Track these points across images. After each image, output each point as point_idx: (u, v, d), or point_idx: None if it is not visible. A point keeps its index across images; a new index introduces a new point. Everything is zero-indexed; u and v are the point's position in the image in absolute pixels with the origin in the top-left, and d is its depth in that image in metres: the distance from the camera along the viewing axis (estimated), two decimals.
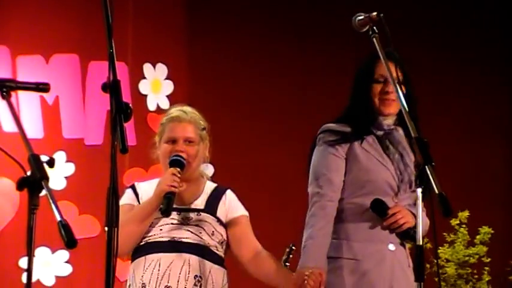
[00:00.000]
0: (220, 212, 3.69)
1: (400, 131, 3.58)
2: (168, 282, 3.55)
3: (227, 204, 3.72)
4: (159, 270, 3.56)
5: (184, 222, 3.63)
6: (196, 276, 3.58)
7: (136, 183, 3.78)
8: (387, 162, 3.55)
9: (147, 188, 3.69)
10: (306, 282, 3.40)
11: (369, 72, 3.57)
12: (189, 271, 3.58)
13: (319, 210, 3.52)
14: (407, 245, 3.60)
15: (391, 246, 3.52)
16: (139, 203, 3.67)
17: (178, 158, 3.63)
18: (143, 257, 3.61)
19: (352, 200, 3.56)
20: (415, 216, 3.43)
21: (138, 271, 3.61)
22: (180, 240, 3.61)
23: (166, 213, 3.52)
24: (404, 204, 3.53)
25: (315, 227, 3.51)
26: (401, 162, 3.56)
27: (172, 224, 3.62)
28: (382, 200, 3.49)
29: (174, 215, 3.62)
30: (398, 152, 3.56)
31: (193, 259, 3.59)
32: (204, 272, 3.60)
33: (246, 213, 3.77)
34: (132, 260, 3.67)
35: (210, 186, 3.77)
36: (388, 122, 3.58)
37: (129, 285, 3.65)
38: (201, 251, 3.61)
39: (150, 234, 3.62)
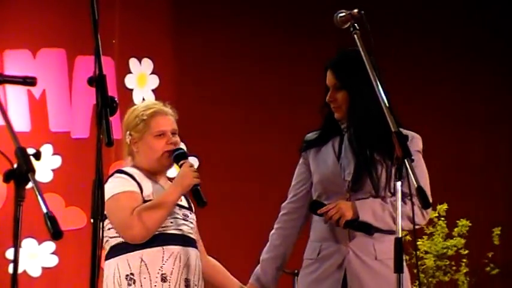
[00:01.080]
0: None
1: (350, 132, 3.61)
2: (187, 275, 3.57)
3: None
4: (180, 263, 3.56)
5: (184, 218, 3.65)
6: (201, 269, 3.64)
7: (125, 169, 3.68)
8: (333, 162, 3.58)
9: (143, 178, 3.64)
10: None
11: (325, 81, 3.63)
12: (198, 264, 3.63)
13: (276, 228, 3.75)
14: (381, 239, 3.60)
15: (345, 242, 3.53)
16: (141, 192, 3.60)
17: (182, 151, 3.65)
18: (160, 248, 3.55)
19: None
20: (355, 207, 3.48)
21: (154, 261, 3.54)
22: (187, 235, 3.63)
23: (204, 205, 3.55)
24: (361, 197, 3.54)
25: (269, 243, 3.75)
26: (345, 160, 3.58)
27: (177, 218, 3.62)
28: (318, 200, 3.56)
29: (176, 209, 3.63)
30: (353, 150, 3.57)
31: (197, 253, 3.65)
32: (200, 265, 3.66)
33: None
34: (133, 249, 3.56)
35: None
36: (344, 125, 3.62)
37: (129, 274, 3.54)
38: (196, 247, 3.67)
39: (164, 226, 3.58)
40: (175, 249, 3.56)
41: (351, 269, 3.51)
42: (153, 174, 3.68)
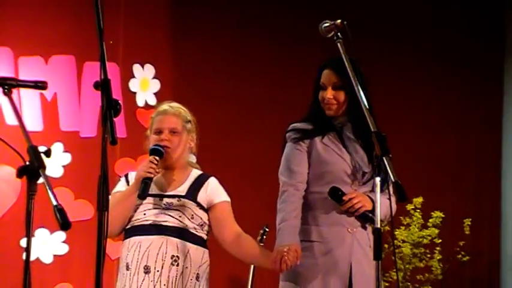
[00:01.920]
0: (201, 197, 3.66)
1: (349, 129, 3.58)
2: (147, 262, 3.53)
3: (208, 191, 3.68)
4: (139, 252, 3.54)
5: (165, 207, 3.60)
6: (173, 256, 3.54)
7: (129, 173, 3.74)
8: (344, 154, 3.56)
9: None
10: (285, 257, 3.41)
11: (318, 79, 3.60)
12: (166, 251, 3.54)
13: (289, 197, 3.55)
14: (370, 228, 3.59)
15: (351, 229, 3.52)
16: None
17: (157, 147, 3.62)
18: (128, 239, 3.59)
19: (315, 189, 3.57)
20: (372, 201, 3.46)
21: (124, 252, 3.60)
22: (160, 223, 3.58)
23: (142, 196, 3.53)
24: (364, 190, 3.53)
25: (286, 211, 3.53)
26: (357, 154, 3.56)
27: (155, 208, 3.60)
28: (338, 187, 3.50)
29: (156, 200, 3.61)
30: (353, 145, 3.56)
31: (172, 241, 3.56)
32: (182, 252, 3.56)
33: (228, 199, 3.74)
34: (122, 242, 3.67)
35: (195, 174, 3.74)
36: (339, 120, 3.59)
37: (119, 265, 3.66)
38: (180, 233, 3.58)
39: (134, 219, 3.60)
40: (138, 239, 3.56)
41: (356, 258, 3.50)
42: (171, 168, 3.69)
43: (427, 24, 6.78)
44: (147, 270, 3.52)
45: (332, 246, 3.50)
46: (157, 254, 3.53)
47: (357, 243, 3.51)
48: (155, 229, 3.57)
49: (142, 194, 3.52)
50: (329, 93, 3.54)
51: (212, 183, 3.72)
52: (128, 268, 3.55)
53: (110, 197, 3.49)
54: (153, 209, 3.60)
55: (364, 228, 3.54)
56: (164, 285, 3.51)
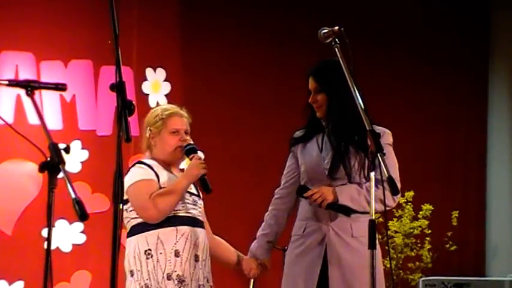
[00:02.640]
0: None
1: (329, 128, 3.62)
2: (196, 251, 3.57)
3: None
4: (191, 241, 3.56)
5: (193, 203, 3.65)
6: (207, 248, 3.64)
7: (145, 160, 3.69)
8: (316, 154, 3.60)
9: (157, 166, 3.65)
10: (253, 271, 3.75)
11: (307, 86, 3.65)
12: (206, 243, 3.63)
13: (270, 210, 3.77)
14: (355, 219, 3.58)
15: (325, 221, 3.55)
16: (158, 180, 3.60)
17: (192, 146, 3.65)
18: (173, 228, 3.56)
19: None
20: (335, 192, 3.49)
21: (169, 239, 3.54)
22: (196, 217, 3.63)
23: (210, 191, 3.57)
24: (340, 183, 3.55)
25: (263, 225, 3.77)
26: (328, 152, 3.58)
27: (187, 203, 3.62)
28: (304, 185, 3.59)
29: (187, 196, 3.63)
30: (331, 144, 3.59)
31: (205, 233, 3.65)
32: (207, 243, 3.66)
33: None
34: (151, 229, 3.56)
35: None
36: (325, 122, 3.63)
37: (147, 250, 3.55)
38: (204, 227, 3.67)
39: (176, 209, 3.58)
40: (186, 229, 3.57)
41: (331, 245, 3.52)
42: (167, 165, 3.68)
43: (417, 28, 6.77)
44: (197, 259, 3.56)
45: (309, 237, 3.57)
46: (204, 244, 3.61)
47: (333, 232, 3.53)
48: (194, 222, 3.61)
49: (210, 190, 3.57)
50: (311, 98, 3.62)
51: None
52: (177, 255, 3.53)
53: (139, 183, 3.53)
54: (187, 203, 3.62)
55: (346, 218, 3.54)
56: (208, 273, 3.62)
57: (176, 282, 3.50)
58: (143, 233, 3.56)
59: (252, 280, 5.48)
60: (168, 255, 3.52)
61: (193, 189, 3.69)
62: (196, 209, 3.65)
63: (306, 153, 3.63)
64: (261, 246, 3.72)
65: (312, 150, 3.61)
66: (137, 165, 3.65)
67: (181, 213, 3.59)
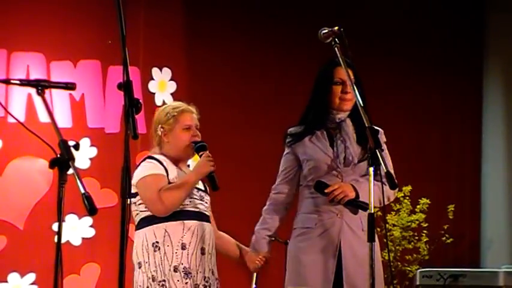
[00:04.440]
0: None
1: (348, 122, 3.56)
2: (203, 244, 3.56)
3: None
4: (197, 234, 3.55)
5: (200, 198, 3.64)
6: (214, 242, 3.64)
7: (155, 156, 3.66)
8: (327, 149, 3.53)
9: (167, 162, 3.63)
10: (257, 262, 3.69)
11: (329, 76, 3.53)
12: (212, 237, 3.63)
13: (268, 204, 3.70)
14: (362, 213, 3.56)
15: (340, 215, 3.50)
16: (167, 175, 3.58)
17: (203, 143, 3.64)
18: (180, 222, 3.55)
19: (307, 184, 3.57)
20: (356, 189, 3.45)
21: (175, 232, 3.54)
22: (203, 212, 3.62)
23: (217, 188, 3.56)
24: (350, 179, 3.50)
25: (261, 220, 3.70)
26: (343, 146, 3.53)
27: (195, 198, 3.61)
28: (322, 181, 3.48)
29: (195, 191, 3.62)
30: (342, 138, 3.54)
31: (211, 227, 3.65)
32: (213, 237, 3.66)
33: None
34: (159, 222, 3.56)
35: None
36: (341, 115, 3.55)
37: (155, 242, 3.54)
38: (210, 221, 3.67)
39: (184, 204, 3.58)
40: (193, 223, 3.56)
41: (345, 238, 3.47)
42: (177, 161, 3.67)
43: (413, 30, 6.76)
44: (203, 252, 3.56)
45: (324, 230, 3.49)
46: (210, 238, 3.60)
47: (346, 226, 3.48)
48: (200, 216, 3.60)
49: (217, 187, 3.56)
50: (347, 89, 3.47)
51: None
52: (184, 248, 3.52)
53: (148, 177, 3.52)
54: (194, 198, 3.61)
55: (355, 213, 3.51)
56: (214, 265, 3.61)
57: (183, 274, 3.49)
58: (151, 226, 3.55)
59: (255, 273, 5.49)
60: (175, 248, 3.51)
61: (200, 185, 3.68)
62: (203, 204, 3.64)
63: (314, 149, 3.54)
64: (261, 240, 3.67)
65: (323, 147, 3.53)
66: (147, 160, 3.63)
67: (189, 208, 3.58)
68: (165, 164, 3.61)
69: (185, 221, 3.55)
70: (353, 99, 3.46)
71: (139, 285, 3.52)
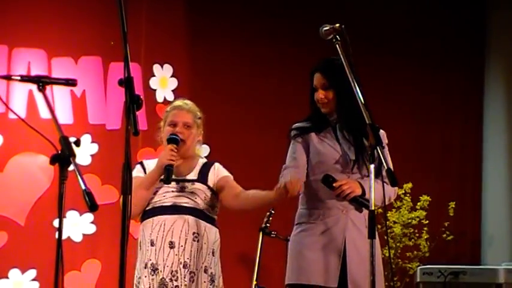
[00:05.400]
0: (210, 180, 3.70)
1: (341, 123, 3.56)
2: (172, 238, 3.55)
3: (215, 173, 3.72)
4: (164, 229, 3.56)
5: (182, 190, 3.62)
6: (194, 232, 3.58)
7: (143, 161, 3.79)
8: (336, 146, 3.53)
9: (152, 164, 3.68)
10: (287, 184, 3.32)
11: (311, 83, 3.59)
12: (188, 229, 3.57)
13: (288, 169, 3.53)
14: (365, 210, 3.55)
15: (345, 211, 3.49)
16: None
17: (174, 136, 3.64)
18: (151, 219, 3.60)
19: (314, 177, 3.53)
20: (362, 186, 3.44)
21: (147, 230, 3.60)
22: (180, 204, 3.60)
23: (167, 181, 3.53)
24: (357, 177, 3.50)
25: (284, 173, 3.50)
26: (348, 145, 3.53)
27: (173, 191, 3.62)
28: (330, 175, 3.45)
29: (173, 184, 3.62)
30: (345, 138, 3.54)
31: (191, 219, 3.59)
32: (200, 230, 3.60)
33: (230, 175, 3.77)
34: (141, 222, 3.67)
35: (201, 162, 3.78)
36: (333, 117, 3.57)
37: (140, 242, 3.65)
38: (196, 213, 3.61)
39: (155, 200, 3.62)
40: (162, 217, 3.58)
41: (350, 233, 3.46)
42: (180, 157, 3.67)
43: (415, 28, 6.76)
44: (172, 245, 3.55)
45: (329, 226, 3.48)
46: (181, 231, 3.56)
47: (351, 223, 3.48)
48: (175, 209, 3.59)
49: (168, 180, 3.52)
50: (320, 94, 3.53)
51: (217, 166, 3.77)
52: (152, 244, 3.56)
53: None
54: (171, 191, 3.61)
55: (359, 210, 3.50)
56: (188, 258, 3.54)
57: (150, 270, 3.53)
58: (140, 226, 3.67)
59: (256, 267, 5.49)
60: (146, 245, 3.58)
61: (192, 176, 3.66)
62: (184, 195, 3.60)
63: (323, 145, 3.53)
64: (296, 170, 3.48)
65: (331, 143, 3.53)
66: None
67: (160, 204, 3.60)
68: (147, 165, 3.68)
69: (155, 217, 3.59)
70: (326, 102, 3.51)
71: (135, 284, 3.62)
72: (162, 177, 3.54)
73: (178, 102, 3.79)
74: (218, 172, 3.73)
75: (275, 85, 6.44)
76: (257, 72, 6.42)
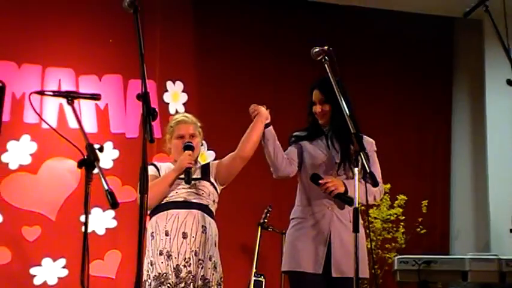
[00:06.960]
0: (211, 173, 3.73)
1: (333, 133, 3.59)
2: (185, 229, 3.55)
3: (212, 167, 3.76)
4: (178, 221, 3.56)
5: (190, 188, 3.63)
6: (202, 225, 3.59)
7: (156, 162, 3.80)
8: (325, 151, 3.57)
9: (164, 166, 3.72)
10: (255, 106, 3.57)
11: (310, 97, 3.62)
12: (198, 222, 3.58)
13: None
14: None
15: (330, 207, 3.50)
16: (159, 175, 3.67)
17: (190, 144, 3.68)
18: (165, 212, 3.58)
19: (307, 180, 3.56)
20: (345, 185, 3.45)
21: (161, 222, 3.58)
22: (190, 200, 3.61)
23: (189, 182, 3.57)
24: (343, 178, 3.51)
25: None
26: (335, 150, 3.55)
27: (183, 189, 3.62)
28: (317, 174, 3.49)
29: (182, 182, 3.62)
30: (333, 144, 3.56)
31: (199, 214, 3.60)
32: (206, 223, 3.61)
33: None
34: (154, 214, 3.63)
35: (200, 163, 3.83)
36: (327, 128, 3.61)
37: (152, 232, 3.60)
38: (203, 208, 3.63)
39: (169, 195, 3.62)
40: (175, 211, 3.57)
41: (335, 227, 3.47)
42: None
43: (395, 46, 6.78)
44: (184, 236, 3.54)
45: (317, 220, 3.49)
46: (192, 223, 3.56)
47: (336, 218, 3.49)
48: (186, 205, 3.60)
49: (189, 180, 3.57)
50: (318, 108, 3.58)
51: (212, 162, 3.82)
52: (167, 234, 3.55)
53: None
54: (182, 189, 3.62)
55: (341, 206, 3.50)
56: (198, 247, 3.55)
57: (166, 257, 3.53)
58: (151, 219, 3.64)
59: (255, 257, 5.47)
60: (161, 235, 3.57)
61: (196, 175, 3.68)
62: (192, 192, 3.62)
63: (316, 149, 3.58)
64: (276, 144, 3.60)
65: (321, 148, 3.57)
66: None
67: (173, 199, 3.60)
68: (160, 167, 3.70)
69: (169, 211, 3.58)
70: (325, 114, 3.55)
71: (145, 269, 3.59)
72: (185, 178, 3.57)
73: (181, 117, 3.84)
74: (213, 165, 3.78)
75: (274, 96, 6.43)
76: (260, 86, 6.41)
